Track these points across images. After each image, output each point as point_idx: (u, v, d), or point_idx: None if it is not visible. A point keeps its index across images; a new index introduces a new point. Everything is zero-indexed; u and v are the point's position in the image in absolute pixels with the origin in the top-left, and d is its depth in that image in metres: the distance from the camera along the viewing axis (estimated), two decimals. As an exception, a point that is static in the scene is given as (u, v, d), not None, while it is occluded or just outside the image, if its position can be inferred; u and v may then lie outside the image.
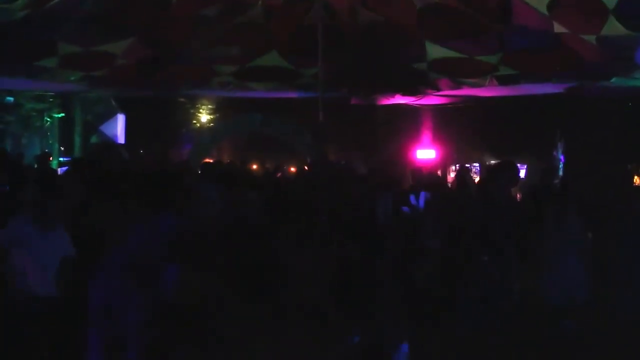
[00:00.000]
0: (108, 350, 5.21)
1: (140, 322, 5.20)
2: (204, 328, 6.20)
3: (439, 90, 14.14)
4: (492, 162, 15.39)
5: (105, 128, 19.88)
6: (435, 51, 12.07)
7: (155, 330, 5.40)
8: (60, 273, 5.70)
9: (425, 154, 16.85)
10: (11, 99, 18.90)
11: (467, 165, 15.95)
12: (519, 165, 17.56)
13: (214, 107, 23.61)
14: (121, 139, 19.97)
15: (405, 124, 17.29)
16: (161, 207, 5.49)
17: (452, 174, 17.41)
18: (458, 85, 13.65)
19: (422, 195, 5.95)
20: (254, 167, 19.33)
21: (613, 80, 11.78)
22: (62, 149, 20.52)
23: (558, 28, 10.16)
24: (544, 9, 9.78)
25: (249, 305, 6.47)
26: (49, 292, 5.76)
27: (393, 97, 15.13)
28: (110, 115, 19.89)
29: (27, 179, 9.12)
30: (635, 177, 14.38)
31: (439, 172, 16.81)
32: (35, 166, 12.43)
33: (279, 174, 13.37)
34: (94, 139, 19.92)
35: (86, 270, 5.41)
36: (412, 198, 5.98)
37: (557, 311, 7.28)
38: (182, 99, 21.38)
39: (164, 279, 5.27)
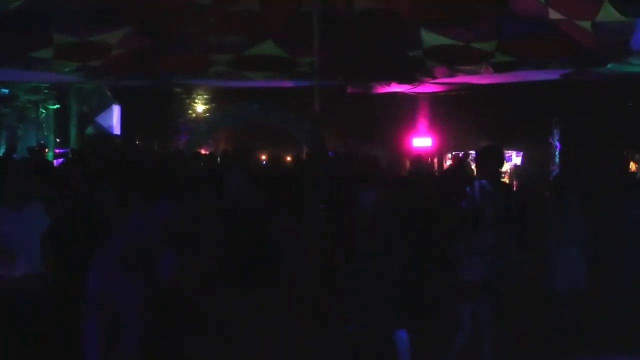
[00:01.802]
0: (105, 336, 5.23)
1: (137, 309, 5.22)
2: (201, 314, 6.23)
3: (434, 78, 14.12)
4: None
5: (101, 119, 19.88)
6: (430, 38, 12.05)
7: (152, 317, 5.42)
8: (41, 248, 5.75)
9: (422, 142, 16.86)
10: (6, 90, 18.88)
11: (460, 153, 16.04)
12: (515, 152, 17.68)
13: (210, 97, 23.61)
14: (117, 130, 19.96)
15: (402, 112, 17.30)
16: (158, 193, 5.51)
17: (449, 162, 17.46)
18: (454, 73, 13.63)
19: (477, 185, 5.74)
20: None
21: (609, 66, 11.77)
22: (58, 140, 20.52)
23: (553, 14, 10.15)
24: (539, -5, 9.79)
25: (245, 291, 6.50)
26: (28, 269, 5.79)
27: (389, 85, 15.11)
28: (105, 106, 19.89)
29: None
30: (631, 163, 14.43)
31: (435, 160, 16.90)
32: (28, 158, 12.45)
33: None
34: (89, 130, 19.91)
35: (85, 257, 5.42)
36: (468, 189, 5.82)
37: (557, 299, 7.30)
38: (177, 89, 21.36)
39: (160, 265, 5.28)
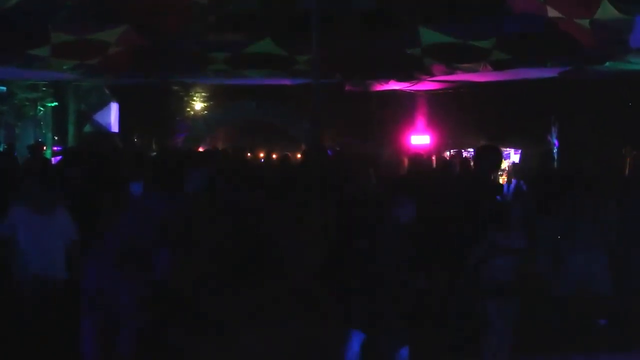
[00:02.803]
0: (101, 334, 5.22)
1: (133, 306, 5.21)
2: (197, 312, 6.21)
3: (433, 75, 14.12)
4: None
5: (99, 117, 19.83)
6: (429, 36, 12.06)
7: (148, 314, 5.41)
8: (72, 255, 5.80)
9: (420, 139, 16.86)
10: (4, 88, 18.81)
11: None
12: (513, 150, 17.65)
13: (208, 94, 23.56)
14: (115, 128, 19.94)
15: (400, 110, 17.29)
16: (155, 189, 5.52)
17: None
18: (452, 71, 13.63)
19: (513, 184, 5.70)
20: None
21: (607, 64, 11.78)
22: (56, 138, 20.45)
23: (552, 12, 10.16)
24: (537, -7, 9.81)
25: (242, 289, 6.47)
26: (51, 274, 5.86)
27: (387, 83, 15.12)
28: (103, 104, 19.84)
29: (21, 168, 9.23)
30: (629, 161, 14.42)
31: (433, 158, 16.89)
32: (29, 156, 12.43)
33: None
34: (87, 128, 19.87)
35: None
36: (505, 187, 5.77)
37: (559, 300, 7.23)
38: (176, 87, 21.33)
39: (156, 262, 5.27)
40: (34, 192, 6.06)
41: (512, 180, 5.65)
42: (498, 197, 5.81)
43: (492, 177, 6.16)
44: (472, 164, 12.30)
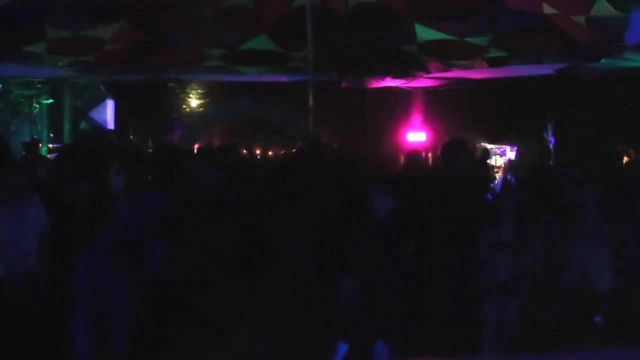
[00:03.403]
0: (94, 329, 5.20)
1: (127, 301, 5.20)
2: (191, 306, 6.20)
3: (429, 72, 14.11)
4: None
5: (95, 114, 19.79)
6: (425, 33, 12.05)
7: (142, 309, 5.40)
8: (38, 248, 5.74)
9: (416, 136, 16.86)
10: (-1, 85, 18.83)
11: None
12: (509, 147, 17.67)
13: (204, 91, 23.58)
14: (111, 125, 19.91)
15: (396, 106, 17.30)
16: (149, 184, 5.52)
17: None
18: (448, 68, 13.63)
19: (500, 179, 5.69)
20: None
21: (603, 61, 11.79)
22: (52, 135, 20.45)
23: (548, 9, 10.16)
24: (534, -10, 9.80)
25: (237, 284, 6.47)
26: (24, 268, 5.77)
27: (383, 80, 15.11)
28: (99, 100, 19.80)
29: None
30: (625, 158, 14.45)
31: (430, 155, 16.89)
32: (23, 153, 12.40)
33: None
34: (83, 125, 19.85)
35: (74, 250, 5.41)
36: (495, 183, 5.76)
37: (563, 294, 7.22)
38: (171, 84, 21.33)
39: (150, 257, 5.26)
40: (14, 186, 5.98)
41: (501, 174, 5.64)
42: (488, 195, 5.80)
43: (486, 174, 6.16)
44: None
